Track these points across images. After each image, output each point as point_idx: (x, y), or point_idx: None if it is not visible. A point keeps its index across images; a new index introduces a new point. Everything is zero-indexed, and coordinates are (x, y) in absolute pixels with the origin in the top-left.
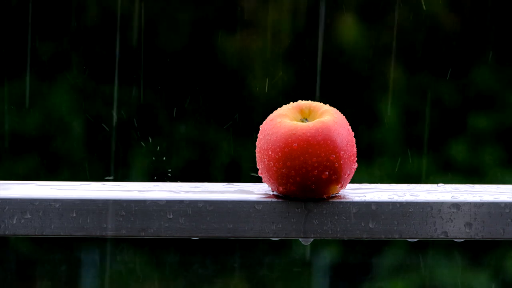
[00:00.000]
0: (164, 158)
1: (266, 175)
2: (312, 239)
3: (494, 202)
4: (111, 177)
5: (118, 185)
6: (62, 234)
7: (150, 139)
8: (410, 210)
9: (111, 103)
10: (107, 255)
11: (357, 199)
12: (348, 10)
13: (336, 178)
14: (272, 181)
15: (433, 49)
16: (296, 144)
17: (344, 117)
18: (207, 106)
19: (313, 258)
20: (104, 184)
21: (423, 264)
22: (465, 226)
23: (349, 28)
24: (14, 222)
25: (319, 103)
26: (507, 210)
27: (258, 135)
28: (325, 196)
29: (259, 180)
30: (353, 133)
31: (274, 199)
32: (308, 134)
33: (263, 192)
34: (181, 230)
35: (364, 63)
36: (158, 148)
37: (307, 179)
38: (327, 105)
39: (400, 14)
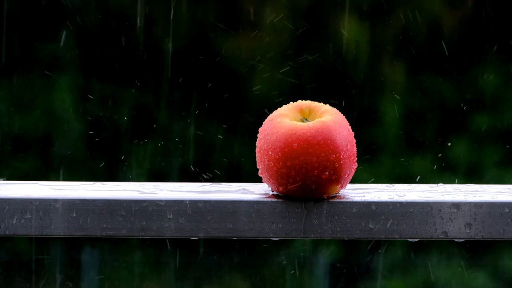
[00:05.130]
0: (164, 158)
1: (266, 175)
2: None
3: (494, 202)
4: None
5: (118, 185)
6: (62, 234)
7: (150, 139)
8: (410, 210)
9: (111, 103)
10: (107, 255)
11: (357, 199)
12: (348, 9)
13: (336, 178)
14: (272, 181)
15: (434, 48)
16: (296, 144)
17: (344, 117)
18: (207, 106)
19: (313, 258)
20: (104, 184)
21: (423, 264)
22: (465, 226)
23: (349, 27)
24: (14, 222)
25: (319, 103)
26: (507, 210)
27: (258, 135)
28: (325, 196)
29: (259, 180)
30: (353, 133)
31: (274, 199)
32: (308, 134)
33: (263, 192)
34: (181, 230)
35: (364, 62)
36: (158, 148)
37: (307, 179)
38: (327, 105)
39: (401, 14)
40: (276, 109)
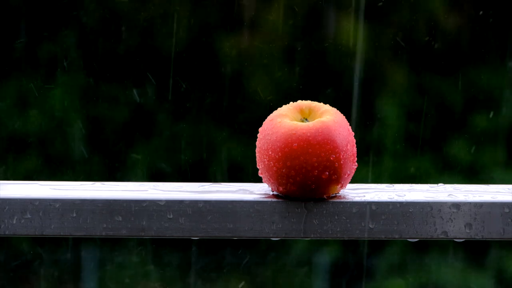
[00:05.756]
0: (164, 158)
1: (266, 175)
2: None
3: (494, 202)
4: None
5: (118, 185)
6: (62, 234)
7: (150, 139)
8: (410, 210)
9: (111, 103)
10: (107, 255)
11: (357, 199)
12: (348, 9)
13: (336, 178)
14: (272, 181)
15: (433, 48)
16: (296, 144)
17: (344, 117)
18: (207, 106)
19: (313, 258)
20: (104, 184)
21: (423, 264)
22: (465, 226)
23: (349, 27)
24: (14, 222)
25: (319, 103)
26: (507, 210)
27: (258, 135)
28: (325, 196)
29: (259, 180)
30: (353, 133)
31: (274, 199)
32: (308, 134)
33: (263, 192)
34: (181, 230)
35: (364, 62)
36: (158, 148)
37: (307, 179)
38: (327, 105)
39: (401, 14)
40: (276, 109)
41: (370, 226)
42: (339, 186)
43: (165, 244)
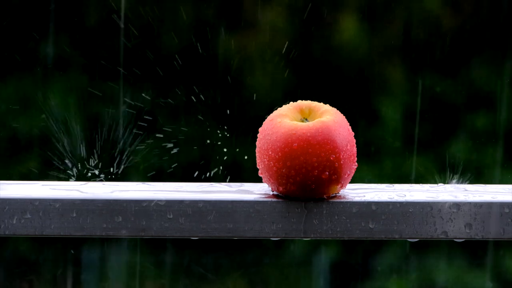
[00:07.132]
0: (164, 158)
1: (266, 175)
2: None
3: (494, 202)
4: None
5: (118, 185)
6: (62, 234)
7: (150, 139)
8: (410, 210)
9: (111, 103)
10: (107, 255)
11: (357, 199)
12: (348, 9)
13: (336, 178)
14: (272, 181)
15: (433, 48)
16: (296, 144)
17: (344, 117)
18: (206, 106)
19: (313, 258)
20: (104, 184)
21: (423, 264)
22: (465, 226)
23: (349, 27)
24: (14, 222)
25: (319, 103)
26: (507, 210)
27: (258, 135)
28: (325, 196)
29: (259, 180)
30: (353, 133)
31: (274, 199)
32: (308, 134)
33: (263, 192)
34: (181, 230)
35: (364, 62)
36: (158, 148)
37: (307, 179)
38: (327, 105)
39: (400, 13)
40: (276, 109)
41: (370, 226)
42: (339, 186)
43: (164, 244)
